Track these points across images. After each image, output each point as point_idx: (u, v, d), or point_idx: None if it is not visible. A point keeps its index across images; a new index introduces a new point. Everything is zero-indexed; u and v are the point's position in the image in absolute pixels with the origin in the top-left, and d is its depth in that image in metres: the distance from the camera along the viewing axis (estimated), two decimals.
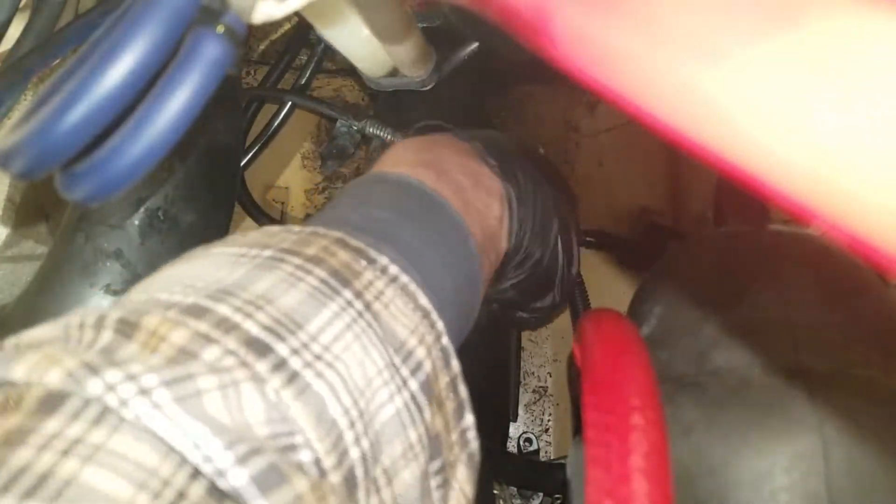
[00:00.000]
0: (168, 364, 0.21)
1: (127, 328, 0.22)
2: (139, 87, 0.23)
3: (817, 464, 0.36)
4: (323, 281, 0.26)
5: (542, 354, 0.81)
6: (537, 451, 0.75)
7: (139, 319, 0.22)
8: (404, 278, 0.29)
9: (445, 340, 0.29)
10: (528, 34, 0.20)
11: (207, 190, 0.54)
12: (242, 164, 0.71)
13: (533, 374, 0.80)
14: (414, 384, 0.26)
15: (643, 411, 0.34)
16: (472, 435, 0.29)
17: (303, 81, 0.71)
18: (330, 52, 0.70)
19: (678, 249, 0.57)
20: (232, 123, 0.61)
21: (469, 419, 0.29)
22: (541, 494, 0.65)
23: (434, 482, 0.27)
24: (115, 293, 0.49)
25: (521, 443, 0.75)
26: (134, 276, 0.50)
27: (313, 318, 0.24)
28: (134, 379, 0.20)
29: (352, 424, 0.23)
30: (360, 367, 0.24)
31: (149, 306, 0.23)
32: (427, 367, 0.27)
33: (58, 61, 0.40)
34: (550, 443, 0.78)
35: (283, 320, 0.24)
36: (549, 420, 0.79)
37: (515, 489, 0.64)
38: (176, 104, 0.23)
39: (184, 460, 0.20)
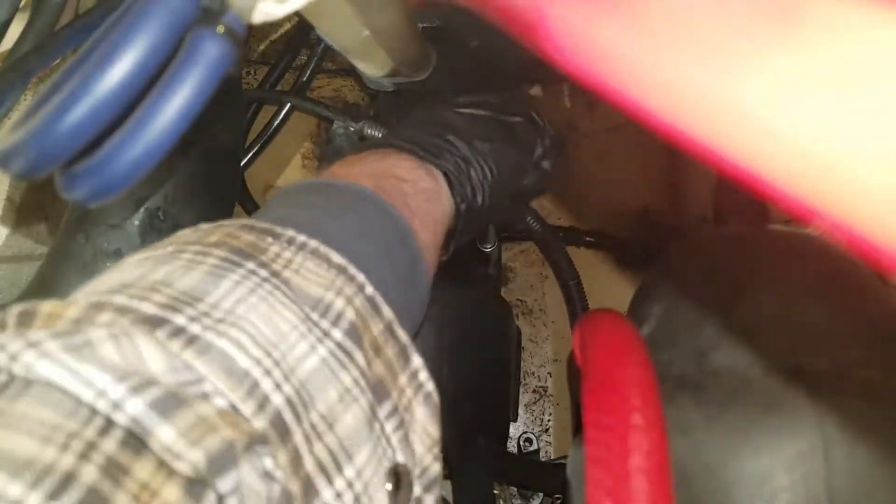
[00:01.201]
0: (64, 329, 0.21)
1: (27, 318, 0.22)
2: (139, 87, 0.23)
3: (817, 464, 0.36)
4: (223, 259, 0.26)
5: (542, 354, 0.81)
6: (537, 451, 0.75)
7: (37, 308, 0.22)
8: (313, 243, 0.29)
9: (370, 290, 0.29)
10: (525, 33, 0.20)
11: (207, 190, 0.54)
12: (242, 164, 0.71)
13: (533, 374, 0.80)
14: (337, 333, 0.26)
15: (643, 411, 0.34)
16: (423, 376, 0.29)
17: (302, 82, 0.71)
18: (330, 52, 0.70)
19: (678, 249, 0.57)
20: (232, 123, 0.61)
21: (416, 360, 0.29)
22: (541, 494, 0.65)
23: (389, 425, 0.27)
24: None
25: (521, 443, 0.75)
26: None
27: (212, 291, 0.24)
28: (23, 336, 0.20)
29: (267, 372, 0.23)
30: (269, 323, 0.24)
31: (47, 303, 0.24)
32: (349, 315, 0.27)
33: (58, 61, 0.40)
34: (550, 443, 0.78)
35: (181, 297, 0.24)
36: (549, 420, 0.79)
37: (515, 489, 0.64)
38: (176, 104, 0.23)
39: (91, 416, 0.20)
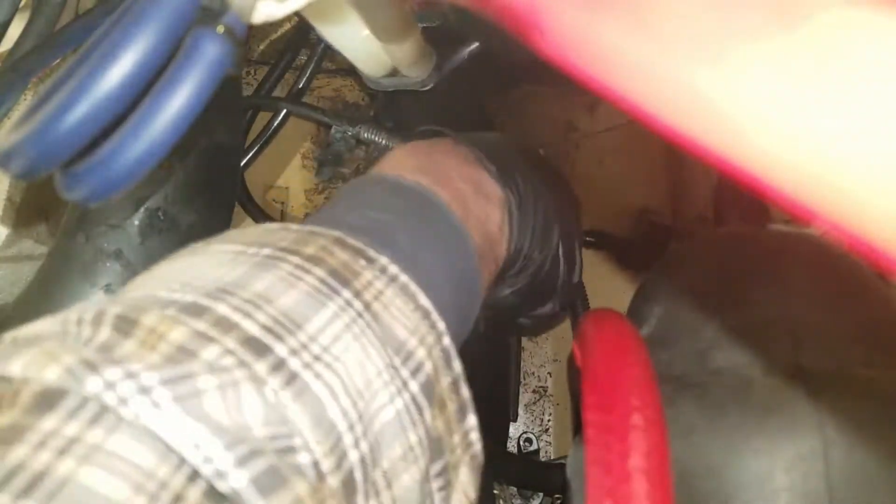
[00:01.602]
0: (167, 362, 0.21)
1: (125, 325, 0.22)
2: (139, 87, 0.23)
3: (818, 464, 0.36)
4: (322, 280, 0.26)
5: (542, 354, 0.81)
6: (537, 451, 0.75)
7: (138, 317, 0.22)
8: (404, 278, 0.28)
9: (447, 341, 0.28)
10: (524, 32, 0.20)
11: (207, 190, 0.54)
12: (242, 164, 0.71)
13: (533, 374, 0.80)
14: (414, 385, 0.26)
15: (643, 411, 0.34)
16: (475, 436, 0.29)
17: (302, 82, 0.71)
18: (330, 52, 0.70)
19: (678, 249, 0.57)
20: (232, 123, 0.61)
21: (472, 420, 0.29)
22: (541, 494, 0.65)
23: (436, 484, 0.26)
24: (115, 293, 0.49)
25: (521, 443, 0.75)
26: (134, 276, 0.49)
27: (312, 318, 0.24)
28: (133, 377, 0.19)
29: (351, 427, 0.23)
30: (360, 367, 0.24)
31: (147, 303, 0.23)
32: (428, 367, 0.26)
33: (58, 61, 0.40)
34: (550, 443, 0.78)
35: (282, 320, 0.23)
36: (549, 420, 0.79)
37: (515, 489, 0.64)
38: (176, 104, 0.23)
39: (181, 462, 0.19)
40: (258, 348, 0.22)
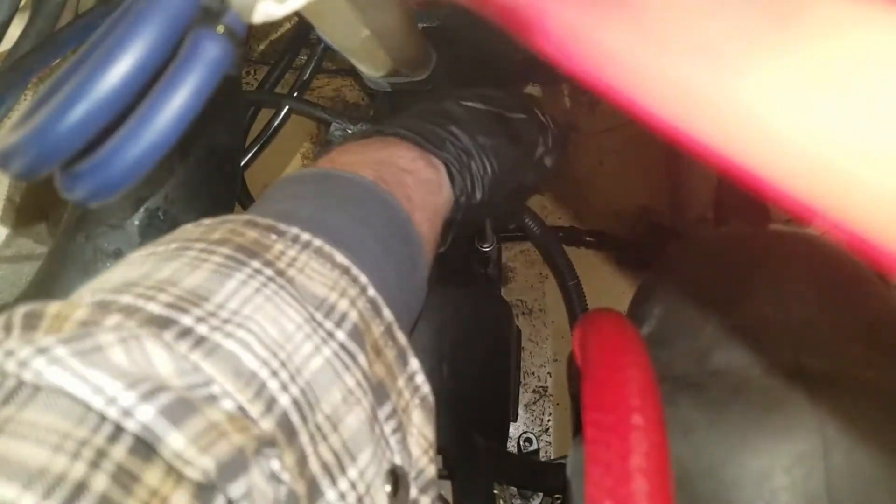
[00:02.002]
0: (70, 332, 0.21)
1: (33, 320, 0.22)
2: (139, 87, 0.23)
3: (817, 464, 0.36)
4: (228, 257, 0.26)
5: (542, 354, 0.81)
6: (537, 451, 0.75)
7: (43, 310, 0.22)
8: (317, 241, 0.29)
9: (372, 292, 0.29)
10: (525, 32, 0.20)
11: (207, 190, 0.54)
12: (242, 164, 0.71)
13: (533, 374, 0.80)
14: (341, 334, 0.26)
15: (643, 411, 0.34)
16: (420, 379, 0.29)
17: (302, 82, 0.71)
18: (330, 52, 0.70)
19: (678, 249, 0.57)
20: (232, 123, 0.61)
21: (414, 363, 0.29)
22: (541, 494, 0.65)
23: (388, 427, 0.27)
24: None
25: (521, 443, 0.75)
26: None
27: (219, 290, 0.24)
28: (31, 342, 0.20)
29: (274, 373, 0.23)
30: (275, 324, 0.24)
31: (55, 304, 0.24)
32: (353, 316, 0.27)
33: (58, 61, 0.40)
34: (550, 443, 0.78)
35: (187, 296, 0.24)
36: (549, 420, 0.79)
37: (515, 489, 0.64)
38: (176, 104, 0.23)
39: (100, 422, 0.20)
40: (162, 322, 0.22)
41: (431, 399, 0.30)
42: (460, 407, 0.55)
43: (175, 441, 0.19)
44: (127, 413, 0.19)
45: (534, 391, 0.80)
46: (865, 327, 0.42)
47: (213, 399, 0.21)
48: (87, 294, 0.25)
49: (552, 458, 0.76)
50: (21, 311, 0.22)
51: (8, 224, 0.58)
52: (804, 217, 0.15)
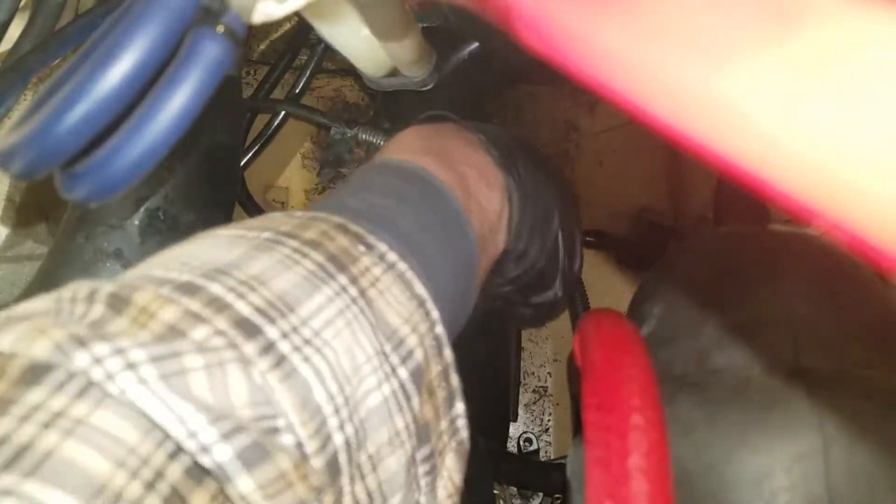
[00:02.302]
0: (156, 340, 0.21)
1: (118, 303, 0.22)
2: (139, 87, 0.23)
3: (817, 464, 0.36)
4: (319, 265, 0.26)
5: (542, 354, 0.81)
6: (537, 451, 0.75)
7: (130, 294, 0.22)
8: (402, 266, 0.28)
9: (439, 329, 0.28)
10: (521, 33, 0.20)
11: (207, 190, 0.54)
12: (242, 164, 0.71)
13: (533, 374, 0.80)
14: (404, 372, 0.26)
15: (643, 411, 0.34)
16: (461, 423, 0.29)
17: (302, 83, 0.71)
18: (330, 52, 0.70)
19: (678, 249, 0.57)
20: (232, 123, 0.61)
21: (459, 407, 0.29)
22: (541, 494, 0.65)
23: (422, 469, 0.27)
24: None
25: (521, 443, 0.75)
26: None
27: (306, 302, 0.24)
28: (121, 353, 0.20)
29: (336, 411, 0.23)
30: (349, 353, 0.24)
31: (143, 282, 0.23)
32: (419, 355, 0.27)
33: (58, 61, 0.40)
34: (550, 443, 0.78)
35: (276, 302, 0.24)
36: (549, 420, 0.79)
37: (515, 489, 0.64)
38: (176, 104, 0.23)
39: (164, 439, 0.20)
40: (249, 329, 0.22)
41: (467, 444, 0.30)
42: None
43: (245, 485, 0.20)
44: (205, 449, 0.19)
45: (534, 391, 0.80)
46: (865, 327, 0.42)
47: (276, 431, 0.21)
48: (174, 264, 0.24)
49: (552, 458, 0.76)
50: (108, 288, 0.22)
51: (8, 224, 0.58)
52: (804, 217, 0.15)
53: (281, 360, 0.22)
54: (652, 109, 0.17)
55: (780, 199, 0.15)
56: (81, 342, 0.20)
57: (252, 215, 0.72)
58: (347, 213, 0.30)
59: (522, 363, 0.77)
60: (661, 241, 0.73)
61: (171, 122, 0.23)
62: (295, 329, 0.23)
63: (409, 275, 0.28)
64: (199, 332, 0.22)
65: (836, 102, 0.14)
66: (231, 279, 0.24)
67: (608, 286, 0.76)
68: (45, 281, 0.50)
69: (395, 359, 0.26)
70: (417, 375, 0.26)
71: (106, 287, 0.22)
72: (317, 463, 0.22)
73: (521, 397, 0.76)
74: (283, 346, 0.23)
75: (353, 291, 0.26)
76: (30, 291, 0.51)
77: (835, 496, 0.36)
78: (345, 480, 0.23)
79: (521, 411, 0.77)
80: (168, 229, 0.51)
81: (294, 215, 0.29)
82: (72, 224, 0.50)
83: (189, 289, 0.23)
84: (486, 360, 0.60)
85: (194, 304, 0.22)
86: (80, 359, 0.19)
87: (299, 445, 0.22)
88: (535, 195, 0.43)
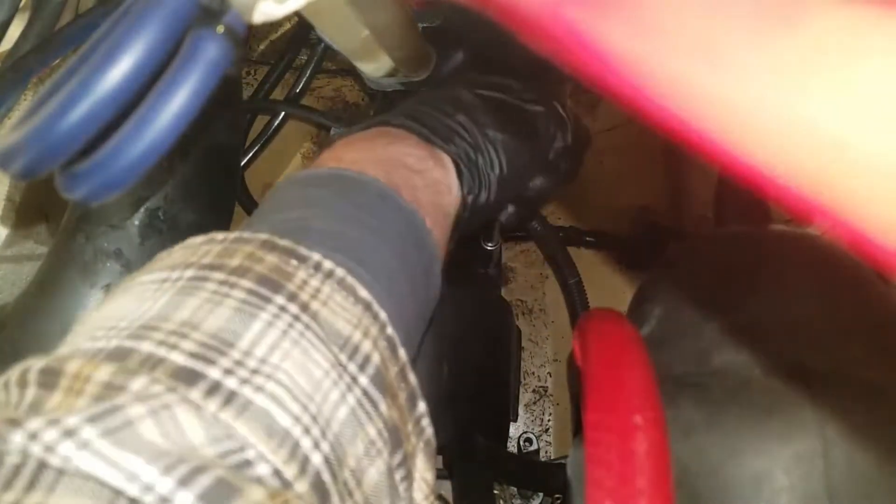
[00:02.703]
0: (93, 401, 0.20)
1: (50, 378, 0.21)
2: (139, 86, 0.23)
3: (817, 464, 0.36)
4: (250, 291, 0.25)
5: (542, 354, 0.81)
6: (537, 451, 0.75)
7: (61, 366, 0.21)
8: (340, 272, 0.27)
9: (390, 330, 0.28)
10: (525, 32, 0.20)
11: (207, 190, 0.54)
12: (242, 164, 0.71)
13: (533, 374, 0.80)
14: (364, 380, 0.25)
15: (643, 411, 0.34)
16: (426, 422, 0.29)
17: (302, 83, 0.71)
18: (330, 52, 0.70)
19: (678, 249, 0.57)
20: (232, 123, 0.61)
21: (422, 406, 0.28)
22: (541, 494, 0.65)
23: (398, 475, 0.26)
24: None
25: (521, 443, 0.75)
26: None
27: (244, 334, 0.23)
28: (56, 423, 0.19)
29: (306, 430, 0.22)
30: (304, 372, 0.23)
31: (72, 355, 0.22)
32: (375, 359, 0.26)
33: (58, 61, 0.40)
34: (550, 443, 0.78)
35: (211, 343, 0.23)
36: (549, 420, 0.79)
37: (515, 489, 0.64)
38: (176, 104, 0.23)
39: (131, 502, 0.19)
40: (188, 377, 0.21)
41: (434, 441, 0.29)
42: (460, 407, 0.55)
43: None
44: (165, 501, 0.18)
45: (534, 391, 0.80)
46: (865, 327, 0.42)
47: (248, 465, 0.20)
48: (100, 332, 0.23)
49: (552, 458, 0.76)
50: (37, 366, 0.21)
51: (8, 224, 0.58)
52: (804, 217, 0.15)
53: (231, 397, 0.21)
54: (652, 107, 0.17)
55: (780, 198, 0.15)
56: (15, 423, 0.19)
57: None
58: (273, 226, 0.29)
59: (522, 363, 0.77)
60: (661, 241, 0.73)
61: (171, 122, 0.23)
62: (239, 363, 0.22)
63: (350, 279, 0.27)
64: (137, 383, 0.21)
65: (837, 101, 0.14)
66: (160, 332, 0.23)
67: (608, 286, 0.76)
68: (45, 281, 0.50)
69: (352, 367, 0.25)
70: (378, 380, 0.26)
71: (36, 365, 0.21)
72: (300, 487, 0.21)
73: (521, 397, 0.76)
74: (230, 383, 0.22)
75: (294, 308, 0.25)
76: (30, 291, 0.51)
77: (835, 497, 0.36)
78: (335, 501, 0.22)
79: (521, 411, 0.77)
80: (168, 229, 0.51)
81: (216, 240, 0.28)
82: (72, 224, 0.50)
83: (120, 353, 0.22)
84: (486, 360, 0.60)
85: (129, 365, 0.21)
86: (15, 439, 0.18)
87: (277, 473, 0.21)
88: (486, 136, 0.42)
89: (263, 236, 0.28)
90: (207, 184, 0.54)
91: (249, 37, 0.73)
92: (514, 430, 0.76)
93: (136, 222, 0.50)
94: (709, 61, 0.15)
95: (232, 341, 0.23)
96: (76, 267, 0.49)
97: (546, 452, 0.77)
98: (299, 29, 0.71)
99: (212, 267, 0.26)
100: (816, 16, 0.14)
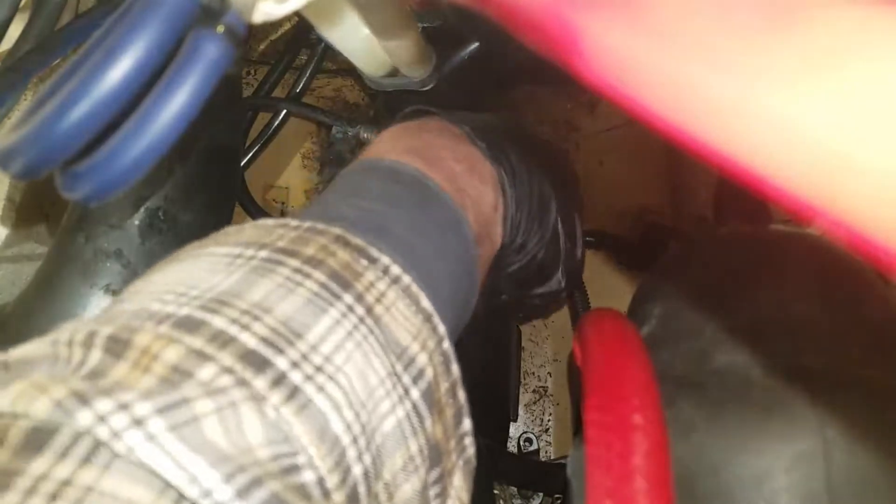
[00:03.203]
0: (161, 386, 0.20)
1: (117, 346, 0.21)
2: (139, 86, 0.23)
3: (818, 464, 0.36)
4: (322, 285, 0.25)
5: (542, 354, 0.81)
6: (537, 451, 0.75)
7: (130, 337, 0.21)
8: (406, 279, 0.28)
9: (447, 345, 0.28)
10: (527, 33, 0.20)
11: (207, 190, 0.54)
12: (242, 164, 0.71)
13: (533, 374, 0.80)
14: (416, 393, 0.25)
15: (643, 411, 0.34)
16: (469, 441, 0.28)
17: (302, 83, 0.71)
18: (330, 52, 0.70)
19: (678, 249, 0.57)
20: (232, 123, 0.61)
21: (467, 424, 0.28)
22: (541, 494, 0.65)
23: (433, 491, 0.26)
24: (115, 293, 0.49)
25: (521, 443, 0.75)
26: (134, 276, 0.49)
27: (313, 327, 0.23)
28: (126, 408, 0.19)
29: (354, 440, 0.22)
30: (362, 378, 0.23)
31: (140, 319, 0.22)
32: (429, 374, 0.26)
33: (58, 61, 0.40)
34: (550, 443, 0.78)
35: (282, 330, 0.23)
36: (549, 420, 0.79)
37: (515, 489, 0.64)
38: (176, 104, 0.23)
39: (180, 498, 0.19)
40: (257, 363, 0.21)
41: (474, 461, 0.29)
42: None
43: None
44: None
45: (534, 391, 0.80)
46: (865, 327, 0.42)
47: (297, 470, 0.21)
48: (170, 295, 0.23)
49: (552, 458, 0.76)
50: (106, 331, 0.21)
51: (8, 224, 0.58)
52: (804, 217, 0.15)
53: (294, 392, 0.21)
54: (653, 107, 0.17)
55: (780, 199, 0.15)
56: (83, 399, 0.19)
57: (252, 215, 0.72)
58: (344, 221, 0.29)
59: (522, 363, 0.77)
60: (661, 241, 0.73)
61: (171, 122, 0.23)
62: (305, 357, 0.22)
63: (415, 288, 0.27)
64: (206, 372, 0.21)
65: (837, 101, 0.14)
66: (233, 310, 0.23)
67: (608, 286, 0.76)
68: (45, 281, 0.50)
69: (406, 379, 0.25)
70: (428, 395, 0.26)
71: (104, 329, 0.21)
72: (338, 497, 0.21)
73: (521, 397, 0.76)
74: (295, 377, 0.22)
75: (360, 310, 0.25)
76: (29, 291, 0.51)
77: (835, 497, 0.36)
78: None
79: (521, 411, 0.77)
80: (168, 229, 0.51)
81: (290, 225, 0.28)
82: (72, 224, 0.50)
83: (190, 324, 0.22)
84: (486, 360, 0.60)
85: (197, 342, 0.21)
86: (84, 417, 0.18)
87: (321, 481, 0.21)
88: (529, 184, 0.41)
89: (337, 230, 0.28)
90: (207, 184, 0.54)
91: (249, 37, 0.73)
92: (514, 430, 0.76)
93: (137, 222, 0.50)
94: (708, 62, 0.15)
95: (301, 332, 0.23)
96: (76, 267, 0.49)
97: (546, 452, 0.77)
98: (299, 29, 0.71)
99: (286, 252, 0.26)
100: (817, 16, 0.14)
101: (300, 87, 0.71)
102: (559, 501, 0.64)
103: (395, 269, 0.28)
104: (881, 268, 0.45)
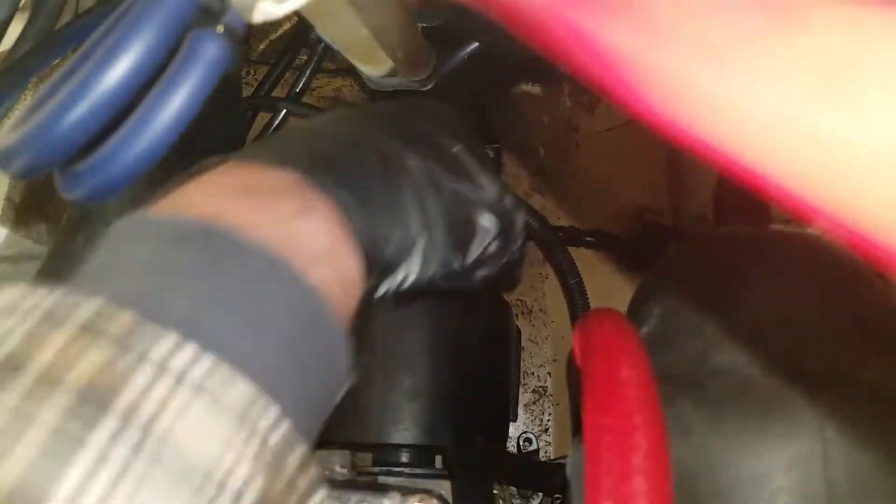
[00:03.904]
0: None
1: None
2: (139, 86, 0.23)
3: (817, 465, 0.36)
4: (68, 411, 0.18)
5: (541, 354, 0.81)
6: (537, 451, 0.75)
7: None
8: (198, 371, 0.19)
9: (286, 426, 0.21)
10: (527, 32, 0.20)
11: None
12: None
13: (533, 374, 0.80)
14: None
15: (643, 411, 0.34)
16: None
17: (302, 83, 0.71)
18: (330, 52, 0.70)
19: (678, 249, 0.57)
20: (232, 123, 0.61)
21: (319, 497, 0.23)
22: (540, 494, 0.65)
23: None
24: None
25: (521, 443, 0.75)
26: None
27: (63, 481, 0.17)
28: None
29: None
30: None
31: None
32: (256, 484, 0.19)
33: (58, 61, 0.40)
34: (550, 443, 0.78)
35: (15, 500, 0.16)
36: (548, 420, 0.79)
37: (515, 489, 0.64)
38: (175, 104, 0.23)
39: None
40: None
41: None
42: (460, 407, 0.55)
43: None
44: None
45: (534, 391, 0.80)
46: (865, 327, 0.42)
47: None
48: None
49: (552, 458, 0.76)
50: None
51: (8, 224, 0.58)
52: (804, 217, 0.15)
53: None
54: (652, 108, 0.17)
55: (780, 199, 0.15)
56: None
57: None
58: (109, 293, 0.22)
59: (522, 363, 0.77)
60: (661, 241, 0.73)
61: (171, 122, 0.23)
62: None
63: (219, 376, 0.20)
64: None
65: (837, 101, 0.14)
66: None
67: (608, 286, 0.76)
68: (45, 281, 0.50)
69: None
70: None
71: None
72: None
73: (520, 397, 0.76)
74: None
75: (134, 434, 0.18)
76: None
77: (834, 497, 0.36)
78: None
79: (520, 411, 0.77)
80: None
81: (23, 309, 0.20)
82: (72, 224, 0.50)
83: None
84: (486, 360, 0.60)
85: None
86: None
87: None
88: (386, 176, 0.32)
89: (93, 306, 0.20)
90: None
91: (249, 37, 0.73)
92: (514, 430, 0.76)
93: None
94: (710, 62, 0.15)
95: (40, 498, 0.16)
96: (76, 267, 0.49)
97: (546, 452, 0.77)
98: (299, 29, 0.71)
99: (12, 362, 0.18)
100: (818, 17, 0.14)
101: (300, 87, 0.71)
102: (559, 501, 0.64)
103: (177, 362, 0.19)
104: (881, 268, 0.45)
